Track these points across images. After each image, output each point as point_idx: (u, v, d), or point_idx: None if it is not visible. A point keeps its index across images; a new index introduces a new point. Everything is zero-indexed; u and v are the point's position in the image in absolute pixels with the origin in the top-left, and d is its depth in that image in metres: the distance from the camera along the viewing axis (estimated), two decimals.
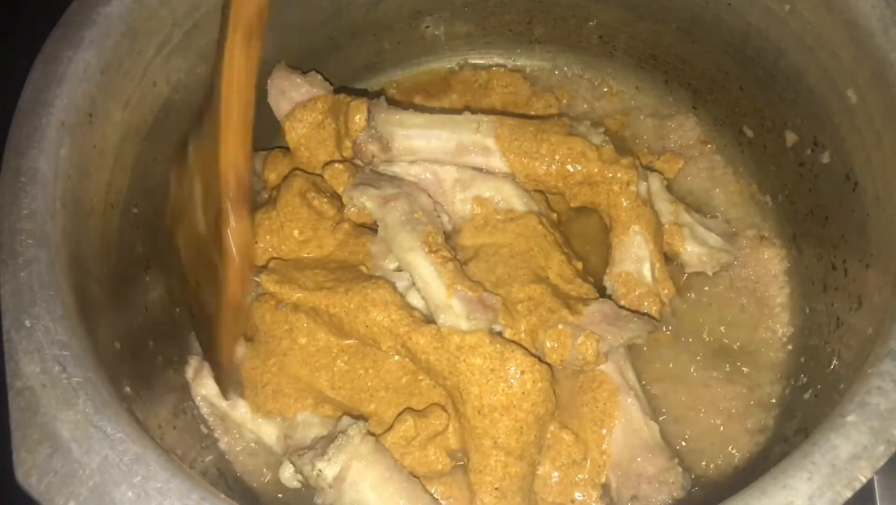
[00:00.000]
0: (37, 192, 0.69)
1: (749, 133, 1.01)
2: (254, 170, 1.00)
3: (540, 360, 0.79)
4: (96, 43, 0.76)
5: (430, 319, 0.82)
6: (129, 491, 0.57)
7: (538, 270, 0.87)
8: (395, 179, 0.91)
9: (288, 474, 0.83)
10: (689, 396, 0.91)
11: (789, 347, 0.93)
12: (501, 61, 1.15)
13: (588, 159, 0.90)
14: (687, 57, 1.02)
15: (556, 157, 0.90)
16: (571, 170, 0.90)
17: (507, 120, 0.92)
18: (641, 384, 0.87)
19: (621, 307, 0.87)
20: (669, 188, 0.98)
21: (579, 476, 0.82)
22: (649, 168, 0.99)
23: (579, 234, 0.99)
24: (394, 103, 0.94)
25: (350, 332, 0.83)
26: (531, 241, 0.88)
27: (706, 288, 0.97)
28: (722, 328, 0.95)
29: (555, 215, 0.96)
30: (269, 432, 0.86)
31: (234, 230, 0.73)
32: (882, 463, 0.57)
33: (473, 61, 1.15)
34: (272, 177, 0.96)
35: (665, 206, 0.94)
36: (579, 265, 0.91)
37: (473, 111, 0.96)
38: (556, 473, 0.82)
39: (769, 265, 0.98)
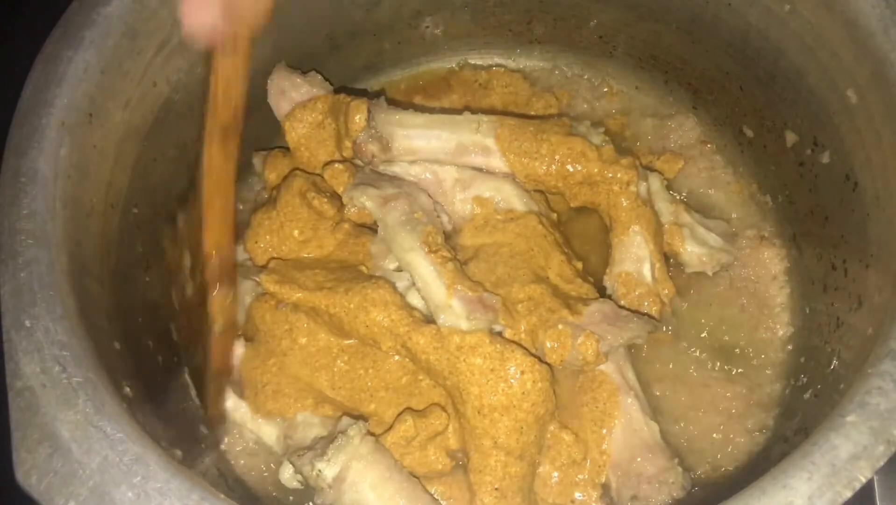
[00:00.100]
0: (37, 192, 0.69)
1: (749, 133, 1.01)
2: (254, 169, 1.01)
3: (540, 360, 0.79)
4: (96, 43, 0.76)
5: (430, 320, 0.82)
6: (128, 491, 0.58)
7: (538, 270, 0.87)
8: (395, 179, 0.91)
9: (288, 475, 0.83)
10: (689, 396, 0.91)
11: (789, 347, 0.93)
12: (501, 61, 1.15)
13: (588, 159, 0.90)
14: (687, 57, 1.02)
15: (556, 157, 0.90)
16: (571, 170, 0.90)
17: (507, 120, 0.92)
18: (641, 384, 0.87)
19: (621, 307, 0.87)
20: (669, 188, 0.98)
21: (579, 476, 0.82)
22: (649, 168, 0.99)
23: (579, 234, 0.99)
24: (394, 103, 0.94)
25: (350, 332, 0.83)
26: (531, 242, 0.88)
27: (706, 288, 0.97)
28: (722, 328, 0.95)
29: (555, 215, 0.96)
30: (269, 432, 0.86)
31: (217, 304, 0.79)
32: (882, 463, 0.57)
33: (473, 61, 1.15)
34: (272, 177, 0.96)
35: (665, 207, 0.94)
36: (579, 265, 0.91)
37: (473, 111, 0.96)
38: (556, 474, 0.82)
39: (769, 265, 0.98)
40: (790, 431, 0.84)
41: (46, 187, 0.69)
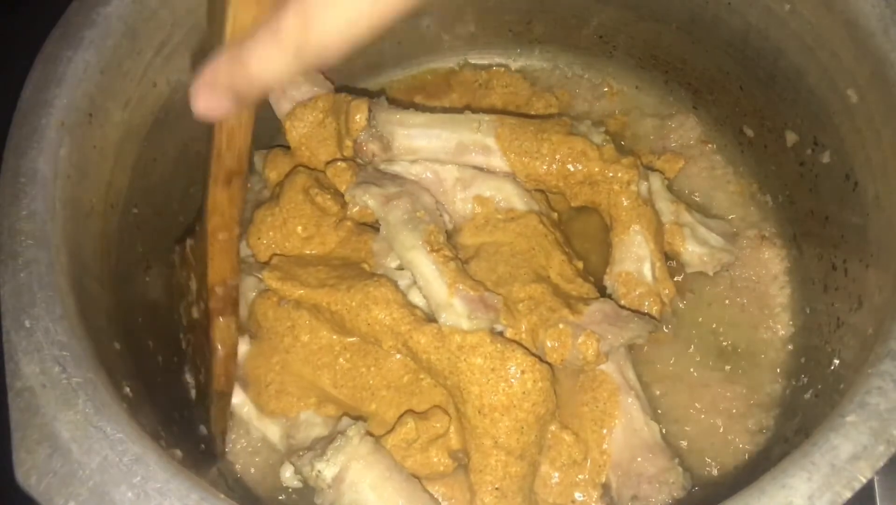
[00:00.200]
0: (36, 192, 0.69)
1: (749, 133, 1.01)
2: (254, 168, 1.01)
3: (540, 359, 0.79)
4: (96, 43, 0.76)
5: (431, 318, 0.82)
6: (128, 491, 0.57)
7: (539, 270, 0.87)
8: (397, 178, 0.91)
9: (289, 474, 0.83)
10: (690, 396, 0.91)
11: (789, 346, 0.93)
12: (501, 61, 1.15)
13: (589, 159, 0.90)
14: (687, 57, 1.02)
15: (557, 156, 0.90)
16: (572, 169, 0.90)
17: (508, 119, 0.92)
18: (642, 384, 0.87)
19: (622, 307, 0.87)
20: (670, 188, 0.98)
21: (580, 476, 0.82)
22: (650, 168, 0.99)
23: (580, 233, 0.99)
24: (394, 103, 0.94)
25: (352, 330, 0.83)
26: (532, 241, 0.88)
27: (707, 288, 0.96)
28: (722, 328, 0.95)
29: (555, 215, 0.96)
30: (273, 431, 0.86)
31: (220, 333, 0.81)
32: (882, 463, 0.57)
33: (473, 61, 1.15)
34: (273, 175, 0.96)
35: (666, 206, 0.94)
36: (580, 265, 0.91)
37: (474, 111, 0.96)
38: (556, 474, 0.82)
39: (770, 265, 0.98)
40: (790, 431, 0.84)
41: (46, 187, 0.69)
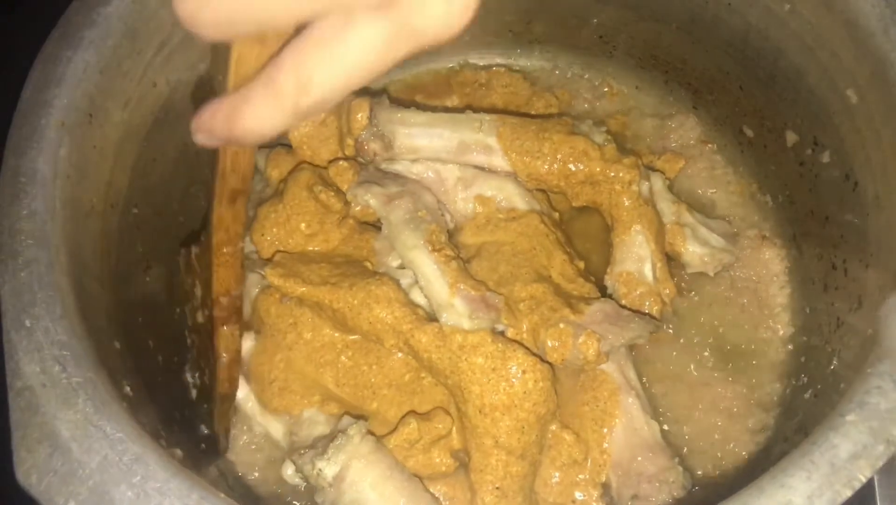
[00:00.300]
0: (36, 192, 0.69)
1: (749, 133, 1.01)
2: (256, 167, 1.01)
3: (541, 359, 0.79)
4: (96, 43, 0.76)
5: (433, 318, 0.82)
6: (128, 491, 0.57)
7: (540, 269, 0.87)
8: (399, 178, 0.91)
9: (290, 472, 0.83)
10: (690, 396, 0.91)
11: (790, 346, 0.93)
12: (501, 61, 1.15)
13: (590, 158, 0.90)
14: (687, 57, 1.02)
15: (559, 156, 0.90)
16: (573, 169, 0.90)
17: (509, 119, 0.92)
18: (642, 383, 0.87)
19: (623, 307, 0.87)
20: (670, 188, 0.98)
21: (580, 476, 0.82)
22: (650, 168, 0.99)
23: (581, 233, 0.99)
24: (396, 102, 0.94)
25: (353, 328, 0.83)
26: (533, 241, 0.88)
27: (707, 288, 0.96)
28: (722, 328, 0.95)
29: (557, 214, 0.96)
30: (276, 428, 0.86)
31: (223, 341, 0.82)
32: (882, 463, 0.57)
33: (473, 61, 1.15)
34: (275, 174, 0.96)
35: (667, 206, 0.94)
36: (581, 264, 0.91)
37: (474, 111, 0.96)
38: (556, 473, 0.82)
39: (770, 265, 0.98)
40: (790, 431, 0.84)
41: (46, 187, 0.69)
